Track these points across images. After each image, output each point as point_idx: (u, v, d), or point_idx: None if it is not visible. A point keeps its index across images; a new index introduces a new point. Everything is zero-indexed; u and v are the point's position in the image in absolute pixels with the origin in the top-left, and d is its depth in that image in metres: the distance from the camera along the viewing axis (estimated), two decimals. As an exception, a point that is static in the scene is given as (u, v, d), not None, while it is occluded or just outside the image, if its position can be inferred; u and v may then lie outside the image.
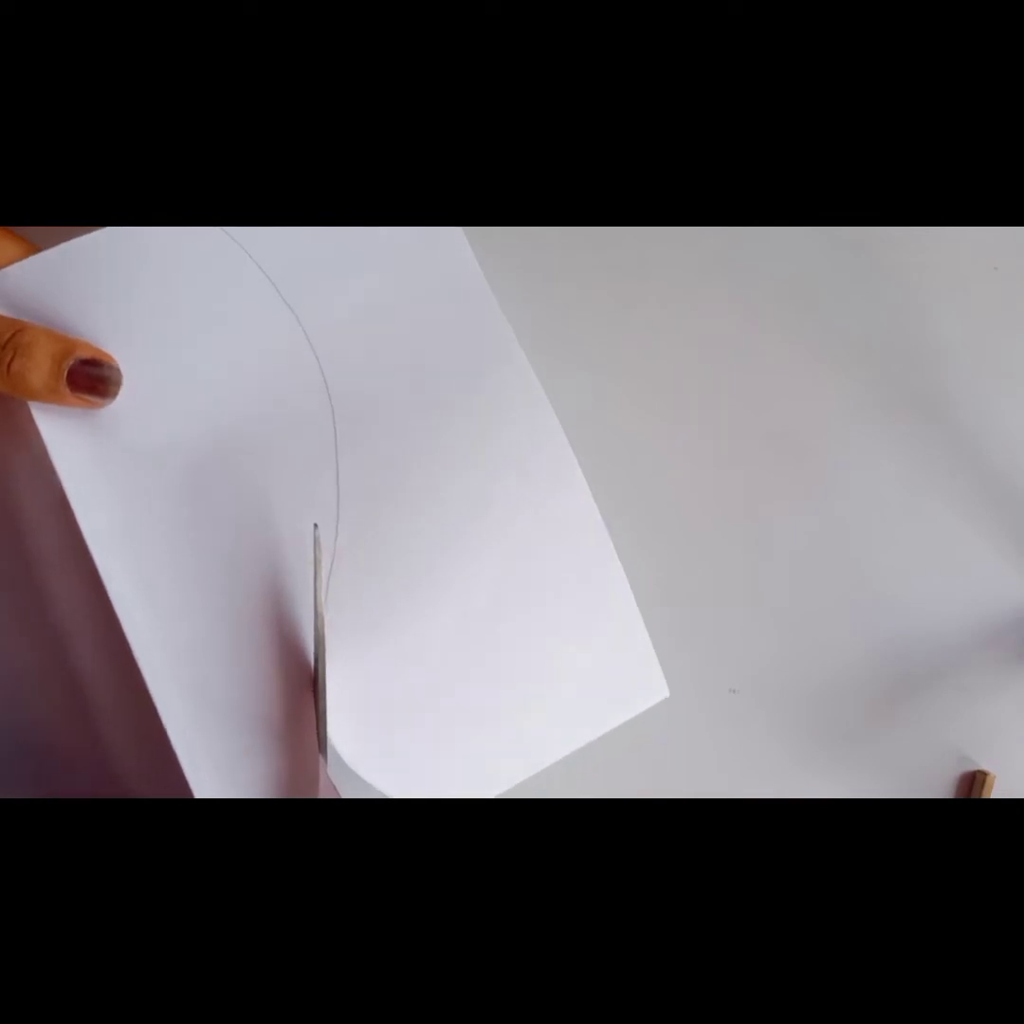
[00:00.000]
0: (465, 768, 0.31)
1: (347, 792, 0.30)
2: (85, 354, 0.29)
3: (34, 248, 0.29)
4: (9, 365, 0.28)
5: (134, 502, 0.30)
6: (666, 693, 0.32)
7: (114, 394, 0.29)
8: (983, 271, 0.38)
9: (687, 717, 0.36)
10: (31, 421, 0.29)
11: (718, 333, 0.37)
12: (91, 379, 0.29)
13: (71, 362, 0.28)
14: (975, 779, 0.36)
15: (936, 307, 0.38)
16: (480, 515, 0.31)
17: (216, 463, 0.30)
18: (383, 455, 0.31)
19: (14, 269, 0.29)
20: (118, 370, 0.29)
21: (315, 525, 0.30)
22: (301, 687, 0.30)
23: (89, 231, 0.29)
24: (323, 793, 0.28)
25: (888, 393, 0.37)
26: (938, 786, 0.37)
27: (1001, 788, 0.36)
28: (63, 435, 0.29)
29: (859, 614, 0.37)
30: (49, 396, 0.28)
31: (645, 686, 0.32)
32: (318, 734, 0.29)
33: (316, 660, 0.29)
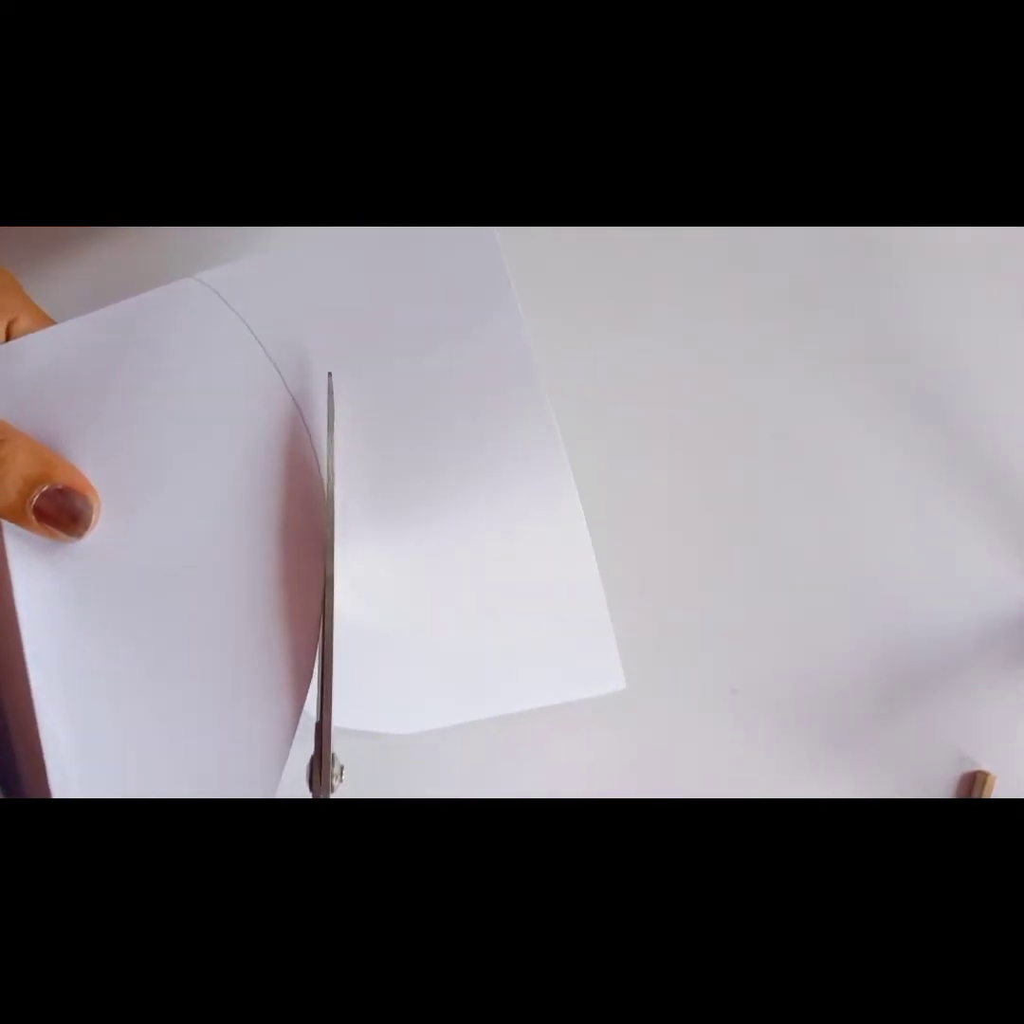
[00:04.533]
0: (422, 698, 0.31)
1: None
2: (61, 482, 0.27)
3: (45, 320, 0.28)
4: None
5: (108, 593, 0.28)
6: (622, 684, 0.31)
7: (81, 534, 0.27)
8: (983, 271, 0.38)
9: (688, 717, 0.36)
10: None
11: (718, 333, 0.37)
12: (60, 512, 0.27)
13: (44, 488, 0.26)
14: (975, 779, 0.36)
15: (936, 307, 0.38)
16: (469, 503, 0.30)
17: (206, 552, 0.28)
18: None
19: (15, 345, 0.28)
20: (92, 505, 0.27)
21: (329, 374, 0.28)
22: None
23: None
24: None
25: (888, 393, 0.37)
26: (938, 786, 0.37)
27: (1001, 788, 0.36)
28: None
29: (859, 614, 0.37)
30: (12, 518, 0.27)
31: (603, 673, 0.31)
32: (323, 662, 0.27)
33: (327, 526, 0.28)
